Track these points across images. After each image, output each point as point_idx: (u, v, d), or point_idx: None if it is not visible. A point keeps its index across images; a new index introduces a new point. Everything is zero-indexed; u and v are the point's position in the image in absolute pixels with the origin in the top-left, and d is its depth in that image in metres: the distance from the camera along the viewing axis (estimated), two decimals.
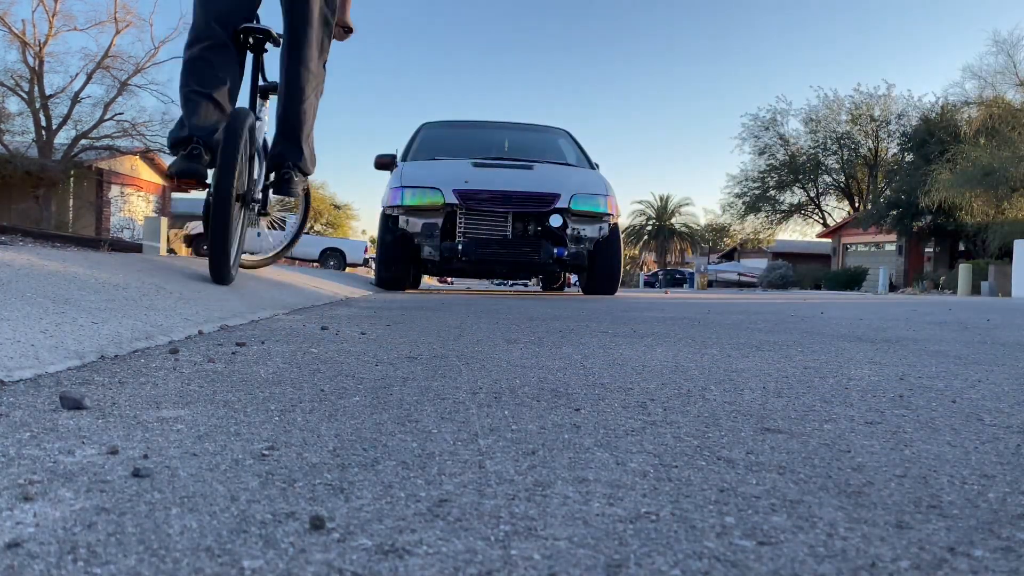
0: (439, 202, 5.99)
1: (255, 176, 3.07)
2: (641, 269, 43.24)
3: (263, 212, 3.28)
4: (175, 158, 2.69)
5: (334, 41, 3.22)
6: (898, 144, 31.31)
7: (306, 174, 3.17)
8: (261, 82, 3.18)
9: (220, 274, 2.76)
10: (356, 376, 1.37)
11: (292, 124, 3.02)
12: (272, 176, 3.16)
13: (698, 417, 1.07)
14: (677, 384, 1.37)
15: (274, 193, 3.20)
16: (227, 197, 2.62)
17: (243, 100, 3.04)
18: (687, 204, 52.16)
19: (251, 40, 2.98)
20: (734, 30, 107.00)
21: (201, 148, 2.65)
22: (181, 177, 2.67)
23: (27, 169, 19.61)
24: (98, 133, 21.67)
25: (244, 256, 3.48)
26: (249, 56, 3.05)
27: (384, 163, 7.03)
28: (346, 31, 3.32)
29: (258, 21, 3.02)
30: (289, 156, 3.05)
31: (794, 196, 36.58)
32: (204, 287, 2.67)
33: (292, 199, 3.58)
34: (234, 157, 2.62)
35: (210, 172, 2.77)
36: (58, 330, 1.48)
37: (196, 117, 2.69)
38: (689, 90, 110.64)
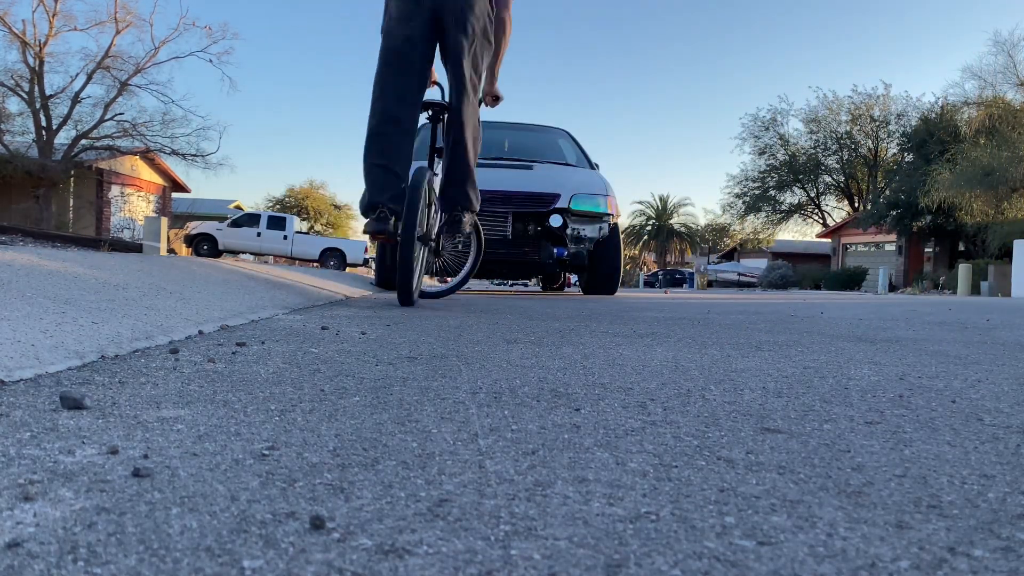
0: None
1: (430, 221, 3.63)
2: (641, 269, 43.21)
3: (438, 252, 3.88)
4: (368, 220, 3.33)
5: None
6: (898, 144, 31.29)
7: (474, 212, 3.74)
8: (439, 143, 3.76)
9: (406, 300, 3.36)
10: (356, 376, 1.37)
11: (460, 174, 3.57)
12: (444, 218, 3.74)
13: (698, 417, 1.07)
14: (677, 384, 1.37)
15: (446, 233, 3.72)
16: (410, 239, 3.18)
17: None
18: (687, 204, 52.24)
19: (430, 111, 3.66)
20: (735, 30, 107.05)
21: (387, 211, 3.27)
22: (375, 235, 3.30)
23: (27, 169, 19.61)
24: (98, 133, 21.67)
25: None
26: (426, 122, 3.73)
27: None
28: (495, 99, 3.99)
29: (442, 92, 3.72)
30: (459, 201, 3.60)
31: (794, 196, 36.59)
32: (204, 287, 2.68)
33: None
34: (416, 208, 3.21)
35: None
36: (58, 330, 1.48)
37: (377, 187, 3.30)
38: (689, 90, 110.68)
